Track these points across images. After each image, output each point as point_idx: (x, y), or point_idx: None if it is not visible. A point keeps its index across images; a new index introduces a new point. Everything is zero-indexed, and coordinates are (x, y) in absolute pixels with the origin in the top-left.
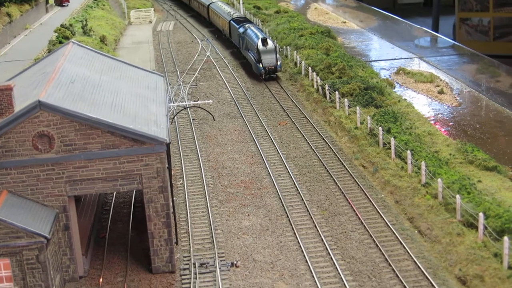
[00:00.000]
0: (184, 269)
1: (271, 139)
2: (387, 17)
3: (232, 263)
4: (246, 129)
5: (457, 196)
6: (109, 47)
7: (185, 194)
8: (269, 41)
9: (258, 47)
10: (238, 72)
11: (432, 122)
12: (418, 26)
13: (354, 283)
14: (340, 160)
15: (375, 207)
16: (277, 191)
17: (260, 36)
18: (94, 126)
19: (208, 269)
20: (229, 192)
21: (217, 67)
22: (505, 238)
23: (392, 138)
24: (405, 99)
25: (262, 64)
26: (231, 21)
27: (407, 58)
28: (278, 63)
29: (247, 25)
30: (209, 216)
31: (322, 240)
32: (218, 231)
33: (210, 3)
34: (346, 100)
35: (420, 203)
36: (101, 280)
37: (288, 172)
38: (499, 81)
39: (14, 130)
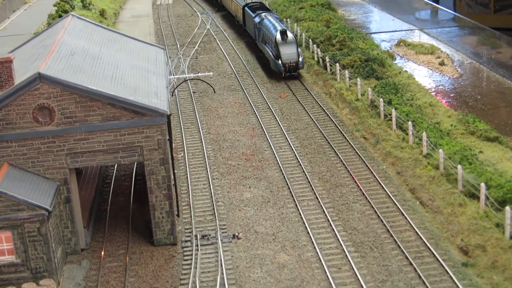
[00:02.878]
0: (186, 241)
1: (271, 111)
2: None
3: (234, 235)
4: (247, 101)
5: (459, 166)
6: (108, 21)
7: (186, 167)
8: (289, 33)
9: (277, 40)
10: (239, 45)
11: (433, 93)
12: None
13: (356, 254)
14: (341, 132)
15: (376, 179)
16: (278, 163)
17: (279, 28)
18: (95, 98)
19: (210, 241)
20: (230, 165)
21: (217, 40)
22: (507, 208)
23: (393, 110)
24: (406, 71)
25: (281, 60)
26: (246, 8)
27: (408, 30)
28: (300, 59)
29: (263, 14)
30: (210, 188)
31: (324, 212)
32: (220, 203)
33: None
34: (346, 72)
35: (421, 174)
36: (102, 252)
37: (289, 144)
38: (500, 52)
39: (14, 103)
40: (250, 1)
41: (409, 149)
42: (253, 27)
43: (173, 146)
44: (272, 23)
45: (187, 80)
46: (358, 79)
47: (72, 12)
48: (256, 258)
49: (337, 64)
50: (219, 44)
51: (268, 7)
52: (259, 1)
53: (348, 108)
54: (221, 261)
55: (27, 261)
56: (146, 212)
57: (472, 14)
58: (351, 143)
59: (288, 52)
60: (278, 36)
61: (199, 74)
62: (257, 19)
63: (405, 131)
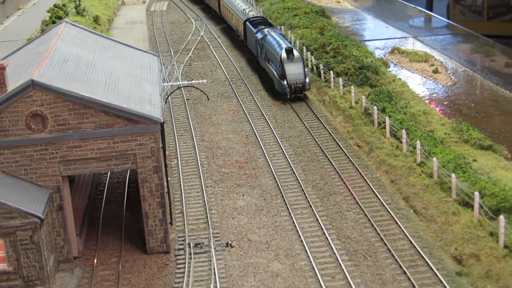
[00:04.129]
0: (179, 249)
1: (265, 118)
2: None
3: (227, 243)
4: (241, 109)
5: (453, 175)
6: (102, 27)
7: (179, 174)
8: (295, 52)
9: (282, 59)
10: (233, 52)
11: (427, 101)
12: (413, 6)
13: (349, 262)
14: (335, 140)
15: (370, 187)
16: (272, 171)
17: (284, 46)
18: (88, 105)
19: (203, 249)
20: (224, 172)
21: (211, 47)
22: (501, 217)
23: (387, 118)
24: (400, 79)
25: (287, 80)
26: (247, 22)
27: (402, 37)
28: (307, 79)
29: (266, 30)
30: (204, 196)
31: (317, 220)
32: (213, 211)
33: None
34: (340, 79)
35: (415, 182)
36: (95, 260)
37: (283, 151)
38: (494, 60)
39: (7, 110)
40: (252, 16)
41: (403, 157)
42: (255, 44)
43: (166, 154)
44: (276, 40)
45: (180, 87)
46: (352, 86)
47: (66, 19)
48: (249, 267)
49: (331, 72)
50: (213, 51)
51: (270, 22)
52: (262, 16)
53: (342, 116)
54: (214, 269)
55: (19, 269)
56: (139, 219)
57: (465, 21)
58: (345, 151)
59: (294, 72)
60: (284, 55)
61: (193, 81)
62: (259, 35)
63: (399, 139)
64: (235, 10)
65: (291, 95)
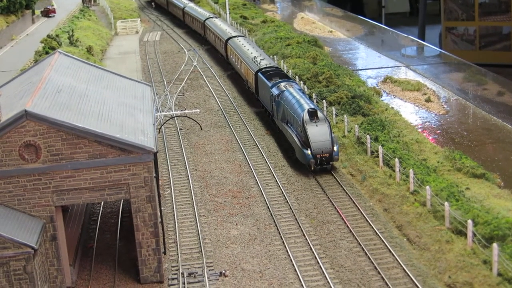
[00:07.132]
0: (173, 278)
1: (258, 148)
2: (374, 26)
3: (221, 273)
4: (234, 138)
5: (446, 203)
6: (95, 57)
7: (173, 204)
8: (319, 114)
9: (305, 123)
10: (225, 81)
11: (419, 130)
12: (405, 35)
13: None
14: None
15: (363, 215)
16: (265, 200)
17: (306, 107)
18: (81, 135)
19: (197, 279)
20: (217, 202)
21: (204, 76)
22: (494, 245)
23: (380, 146)
24: (393, 107)
25: (311, 150)
26: (259, 74)
27: (394, 66)
28: (335, 148)
29: (283, 85)
30: (197, 226)
31: (311, 249)
32: (206, 240)
33: (229, 39)
34: (333, 108)
35: (408, 211)
36: None
37: (276, 181)
38: (486, 89)
39: (0, 140)
40: (265, 66)
41: (396, 185)
42: (269, 100)
43: (159, 183)
44: (296, 99)
45: (174, 117)
46: (345, 115)
47: (59, 49)
48: None
49: (324, 101)
50: (206, 81)
51: (286, 73)
52: (276, 66)
53: None
54: None
55: None
56: (133, 249)
57: (457, 50)
58: (338, 179)
59: (319, 140)
60: (306, 117)
61: (186, 111)
62: (275, 91)
63: (392, 168)
64: (244, 58)
65: (315, 167)
